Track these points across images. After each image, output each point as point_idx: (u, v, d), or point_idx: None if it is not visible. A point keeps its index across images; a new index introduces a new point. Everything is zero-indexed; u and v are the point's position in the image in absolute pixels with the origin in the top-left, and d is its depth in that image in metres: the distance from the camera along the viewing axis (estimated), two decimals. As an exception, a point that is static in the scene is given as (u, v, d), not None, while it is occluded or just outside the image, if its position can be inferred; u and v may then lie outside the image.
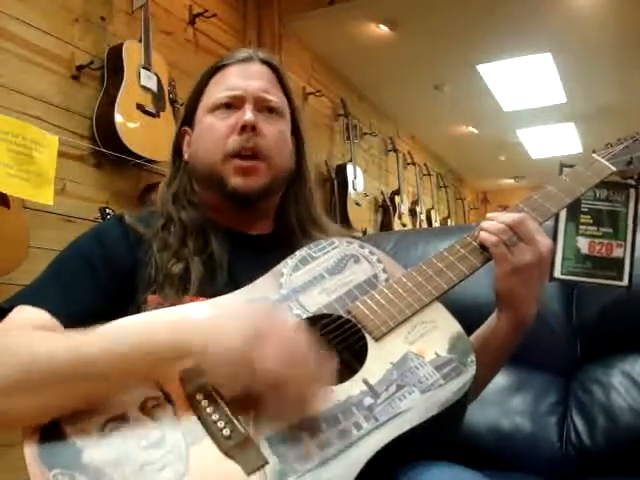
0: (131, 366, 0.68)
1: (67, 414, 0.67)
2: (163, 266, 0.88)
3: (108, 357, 0.68)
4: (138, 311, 0.82)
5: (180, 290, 0.86)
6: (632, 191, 0.98)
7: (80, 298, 0.83)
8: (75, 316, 0.78)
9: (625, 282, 0.97)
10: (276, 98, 0.97)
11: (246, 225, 0.98)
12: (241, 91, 0.95)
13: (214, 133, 0.94)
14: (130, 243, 0.91)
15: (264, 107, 0.95)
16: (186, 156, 1.00)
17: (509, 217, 0.84)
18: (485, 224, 0.86)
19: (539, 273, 0.84)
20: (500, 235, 0.83)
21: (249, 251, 0.93)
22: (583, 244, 0.98)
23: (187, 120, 1.01)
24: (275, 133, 0.95)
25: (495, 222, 0.85)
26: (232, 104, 0.95)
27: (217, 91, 0.96)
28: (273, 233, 1.00)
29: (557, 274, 0.98)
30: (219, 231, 0.94)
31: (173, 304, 0.82)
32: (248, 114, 0.92)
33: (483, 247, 0.86)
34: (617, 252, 0.98)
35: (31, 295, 0.83)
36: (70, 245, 0.93)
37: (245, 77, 0.96)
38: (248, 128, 0.92)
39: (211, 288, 0.85)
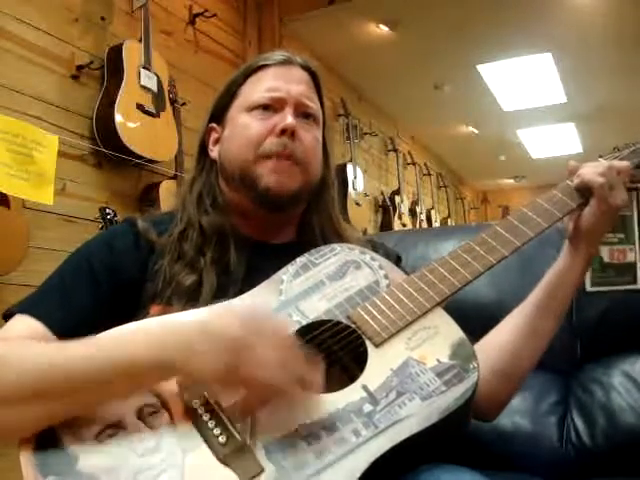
0: (110, 383, 0.67)
1: (60, 423, 0.67)
2: (174, 278, 0.86)
3: (88, 372, 0.67)
4: None
5: (189, 303, 0.83)
6: (633, 194, 0.97)
7: (79, 311, 0.82)
8: (70, 330, 0.77)
9: (639, 285, 0.98)
10: (315, 105, 0.96)
11: (269, 233, 0.96)
12: (283, 93, 0.93)
13: (250, 132, 0.92)
14: (140, 253, 0.89)
15: (303, 113, 0.94)
16: (213, 154, 0.98)
17: (614, 163, 0.90)
18: (588, 168, 0.90)
19: (615, 217, 0.91)
20: (608, 177, 0.87)
21: (269, 261, 0.89)
22: (605, 253, 0.99)
23: (216, 117, 0.99)
24: (311, 140, 0.94)
25: (597, 166, 0.90)
26: (271, 105, 0.93)
27: (256, 91, 0.94)
28: (295, 242, 0.98)
29: (588, 287, 0.99)
30: (240, 239, 0.92)
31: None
32: (289, 118, 0.90)
33: (579, 190, 0.90)
34: (630, 257, 0.98)
35: (33, 304, 0.83)
36: (80, 249, 0.91)
37: (287, 80, 0.94)
38: (288, 132, 0.90)
39: (221, 301, 0.82)
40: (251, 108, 0.93)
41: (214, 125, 0.99)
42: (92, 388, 0.67)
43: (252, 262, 0.90)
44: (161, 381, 0.69)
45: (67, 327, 0.79)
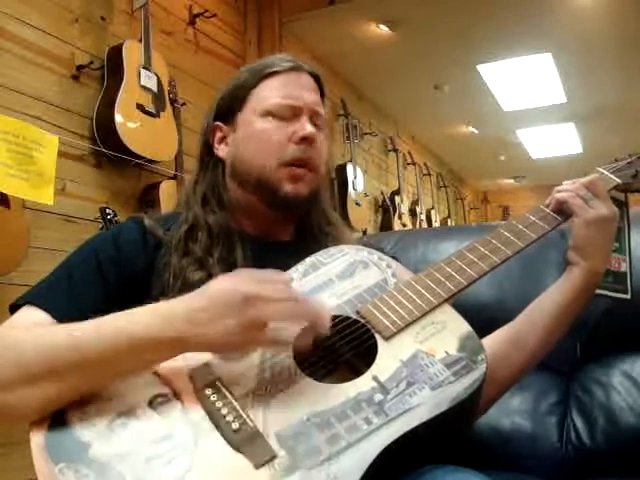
0: (116, 360, 0.69)
1: (74, 407, 0.68)
2: (182, 273, 0.88)
3: (94, 351, 0.69)
4: None
5: None
6: (623, 207, 1.00)
7: (87, 306, 0.82)
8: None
9: (629, 295, 1.00)
10: (323, 112, 0.99)
11: (271, 231, 0.99)
12: (299, 102, 0.95)
13: (270, 139, 0.94)
14: (147, 249, 0.91)
15: (315, 120, 0.97)
16: (220, 153, 0.99)
17: (581, 180, 0.94)
18: (560, 187, 0.95)
19: (612, 229, 0.92)
20: (576, 191, 0.92)
21: (273, 259, 0.90)
22: None
23: (222, 116, 1.00)
24: (323, 146, 0.98)
25: (569, 184, 0.94)
26: (288, 113, 0.95)
27: (272, 96, 0.96)
28: (295, 240, 1.01)
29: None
30: (245, 238, 0.94)
31: None
32: (308, 127, 0.94)
33: (557, 211, 0.93)
34: (623, 266, 1.00)
35: (41, 295, 0.84)
36: (87, 244, 0.92)
37: (300, 88, 0.97)
38: (309, 140, 0.93)
39: None
40: (266, 113, 0.95)
41: (219, 124, 1.00)
42: (101, 365, 0.69)
43: (258, 260, 0.91)
44: (173, 356, 0.71)
45: (74, 320, 0.78)
